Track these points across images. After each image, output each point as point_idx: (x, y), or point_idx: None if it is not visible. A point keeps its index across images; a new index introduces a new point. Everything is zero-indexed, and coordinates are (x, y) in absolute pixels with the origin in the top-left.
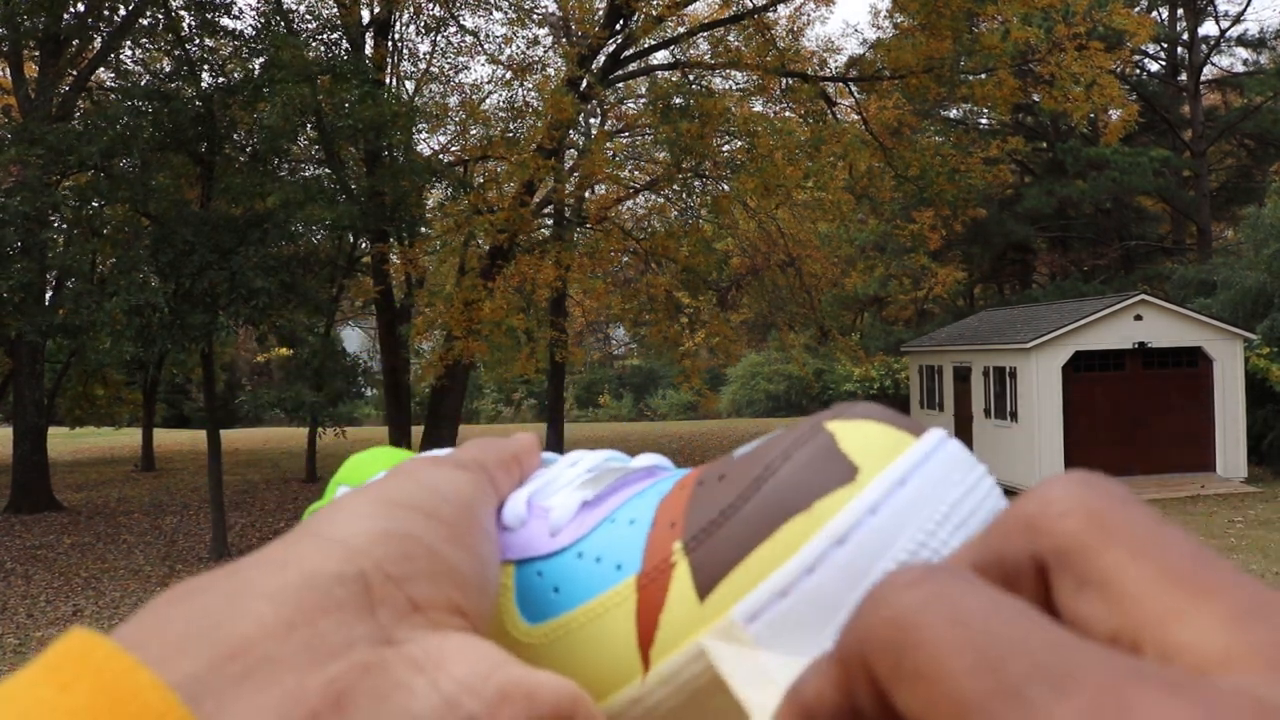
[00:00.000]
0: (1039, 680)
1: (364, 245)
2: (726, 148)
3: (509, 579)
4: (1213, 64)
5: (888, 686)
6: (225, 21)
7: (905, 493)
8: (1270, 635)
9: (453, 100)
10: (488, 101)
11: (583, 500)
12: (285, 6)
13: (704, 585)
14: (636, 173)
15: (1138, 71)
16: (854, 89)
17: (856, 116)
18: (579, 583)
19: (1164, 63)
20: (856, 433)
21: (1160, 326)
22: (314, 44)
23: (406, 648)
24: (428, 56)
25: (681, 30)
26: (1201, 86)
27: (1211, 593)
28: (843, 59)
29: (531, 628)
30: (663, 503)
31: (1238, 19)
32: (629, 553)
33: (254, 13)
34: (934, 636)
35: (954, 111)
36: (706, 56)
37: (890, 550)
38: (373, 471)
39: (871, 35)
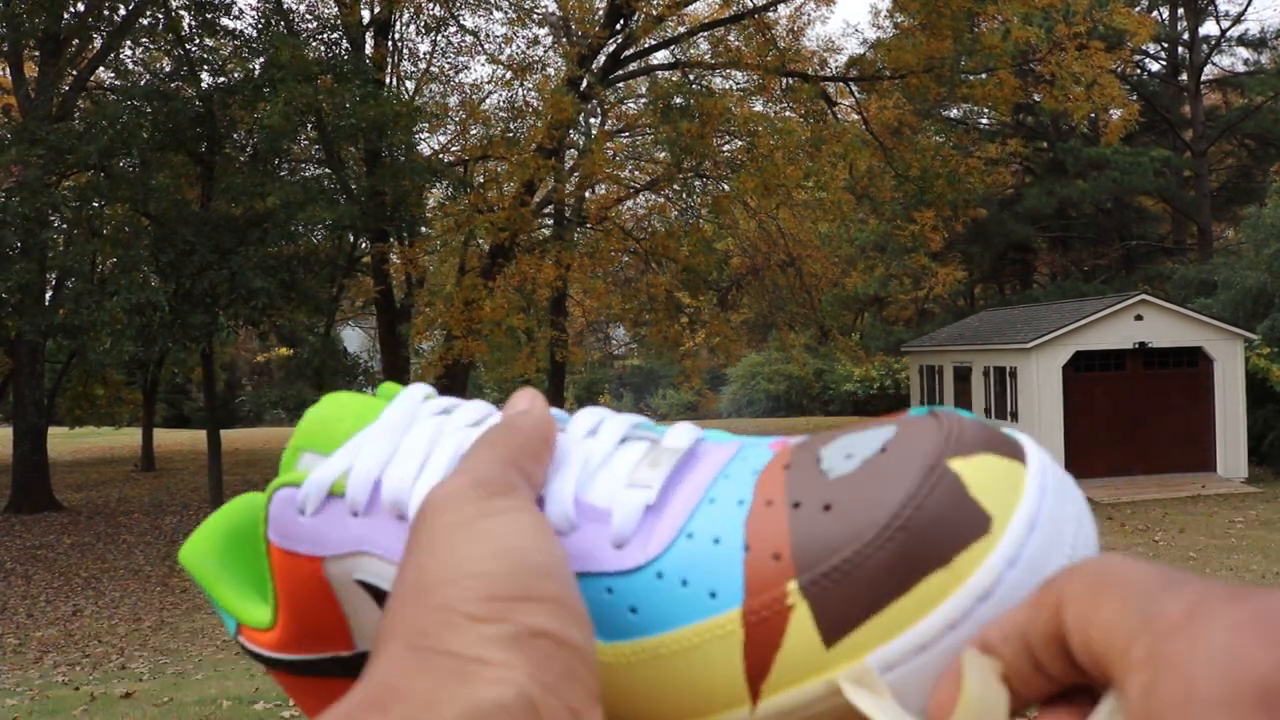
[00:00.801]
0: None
1: (364, 245)
2: (726, 148)
3: None
4: (1213, 64)
5: (1079, 615)
6: (225, 21)
7: (1037, 538)
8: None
9: (453, 100)
10: (488, 101)
11: (645, 505)
12: (285, 6)
13: (831, 632)
14: (636, 173)
15: (1138, 71)
16: (854, 89)
17: (857, 116)
18: (664, 608)
19: (1164, 62)
20: (981, 473)
21: (1161, 326)
22: (314, 44)
23: None
24: (428, 56)
25: (681, 30)
26: (1202, 86)
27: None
28: (843, 59)
29: (605, 645)
30: (750, 521)
31: (1238, 19)
32: (724, 580)
33: (254, 13)
34: (1123, 569)
35: (954, 111)
36: (707, 56)
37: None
38: (345, 430)
39: (872, 35)
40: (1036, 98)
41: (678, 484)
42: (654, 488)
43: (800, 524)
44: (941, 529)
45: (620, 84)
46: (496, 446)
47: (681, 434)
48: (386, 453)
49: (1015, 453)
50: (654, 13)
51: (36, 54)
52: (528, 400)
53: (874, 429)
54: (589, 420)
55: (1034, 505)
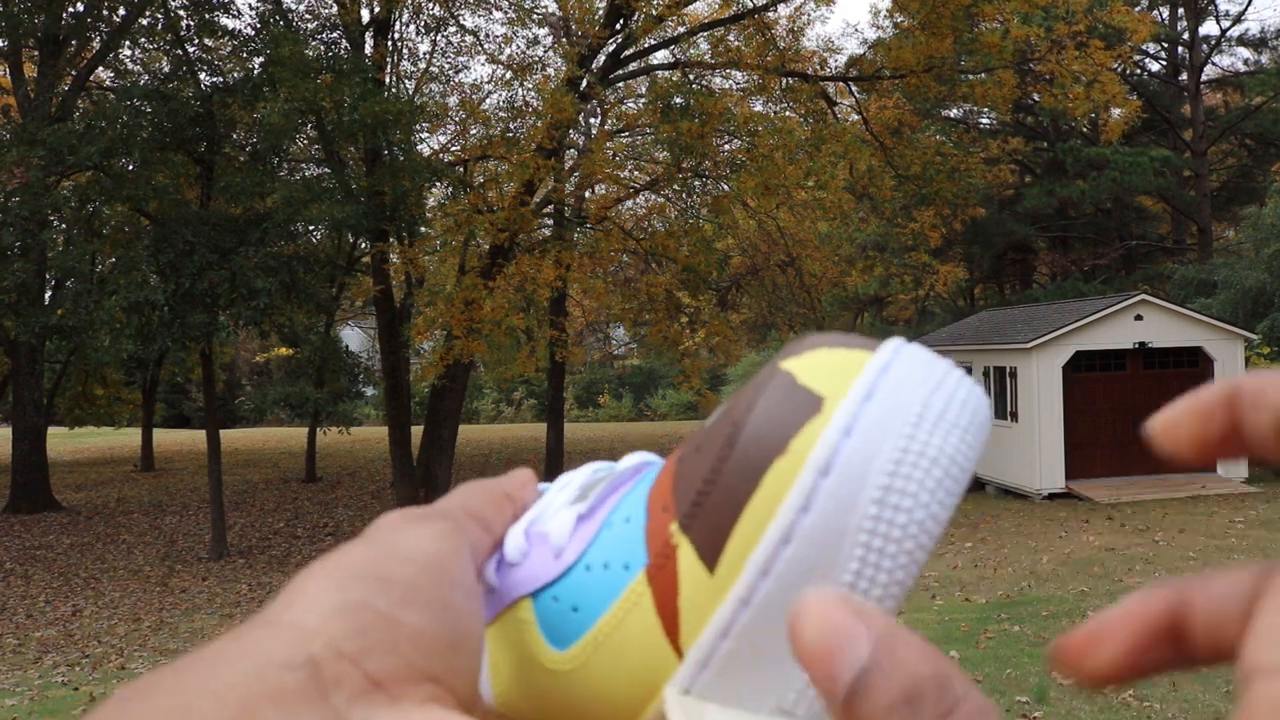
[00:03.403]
0: None
1: (364, 245)
2: (726, 147)
3: (528, 613)
4: (1213, 64)
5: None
6: (224, 21)
7: (874, 406)
8: None
9: (452, 100)
10: (488, 101)
11: (578, 515)
12: (284, 6)
13: (709, 556)
14: (636, 173)
15: (1138, 71)
16: (854, 88)
17: (856, 116)
18: (595, 595)
19: (1164, 62)
20: (812, 363)
21: (1161, 326)
22: (314, 43)
23: None
24: (428, 56)
25: (681, 30)
26: (1202, 86)
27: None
28: (843, 59)
29: (562, 654)
30: (651, 491)
31: (1238, 19)
32: (633, 550)
33: (253, 12)
34: None
35: (954, 111)
36: (706, 56)
37: (875, 463)
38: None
39: (871, 35)
40: (1036, 97)
41: (612, 492)
42: (588, 500)
43: (681, 472)
44: (773, 421)
45: (620, 84)
46: (456, 495)
47: (630, 459)
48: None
49: (865, 346)
50: (654, 13)
51: (36, 54)
52: (517, 471)
53: None
54: (561, 480)
55: (870, 378)
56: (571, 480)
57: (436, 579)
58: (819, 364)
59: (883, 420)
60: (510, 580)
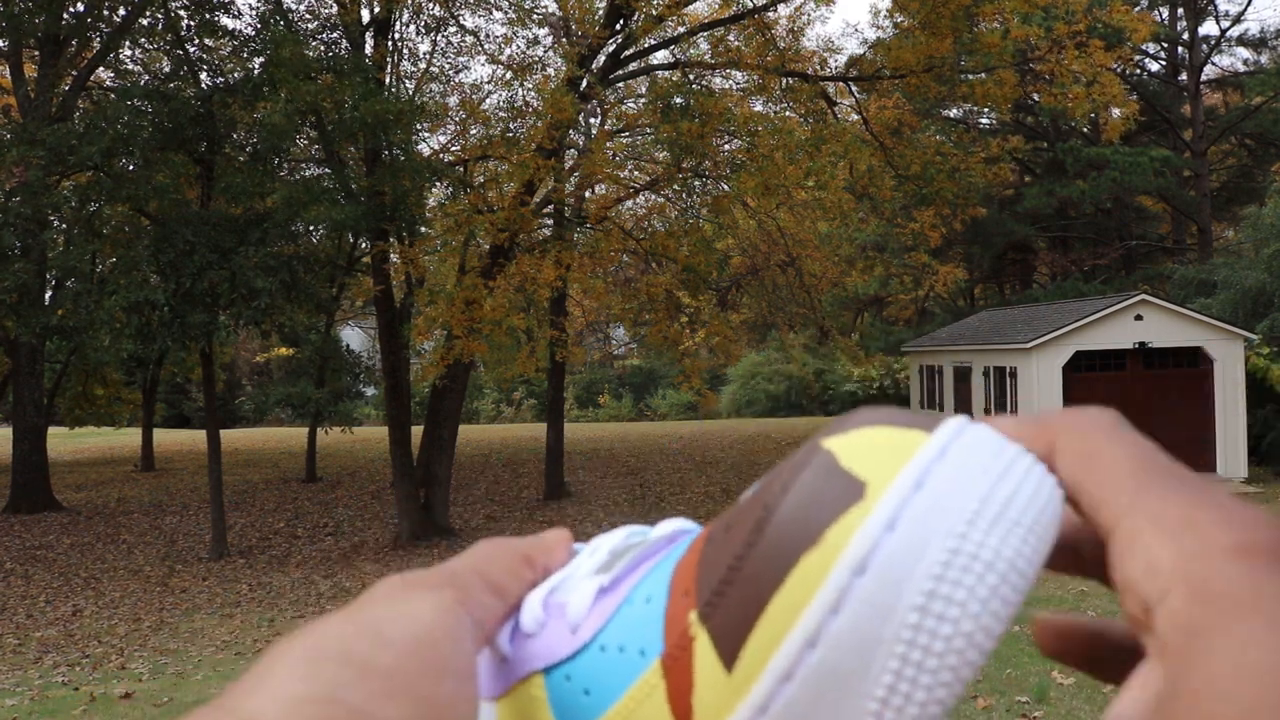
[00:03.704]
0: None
1: (364, 245)
2: (726, 147)
3: (540, 690)
4: (1213, 64)
5: (1061, 459)
6: (224, 21)
7: (924, 497)
8: (1195, 547)
9: (453, 100)
10: (488, 101)
11: (599, 587)
12: (285, 6)
13: (728, 653)
14: (636, 173)
15: (1138, 71)
16: (854, 89)
17: (856, 116)
18: (607, 680)
19: (1164, 62)
20: (858, 444)
21: (1160, 326)
22: (314, 43)
23: None
24: (428, 56)
25: (681, 30)
26: (1202, 86)
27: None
28: (843, 59)
29: None
30: (676, 570)
31: (1238, 19)
32: (649, 635)
33: (253, 13)
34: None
35: (954, 111)
36: (706, 56)
37: (920, 565)
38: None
39: (871, 35)
40: (1036, 96)
41: (641, 563)
42: (612, 573)
43: (708, 554)
44: (807, 507)
45: (620, 84)
46: (470, 556)
47: (666, 525)
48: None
49: (923, 425)
50: (654, 13)
51: (36, 54)
52: (549, 533)
53: None
54: (594, 543)
55: (923, 464)
56: (602, 545)
57: (422, 665)
58: (866, 444)
59: (932, 514)
60: (525, 651)
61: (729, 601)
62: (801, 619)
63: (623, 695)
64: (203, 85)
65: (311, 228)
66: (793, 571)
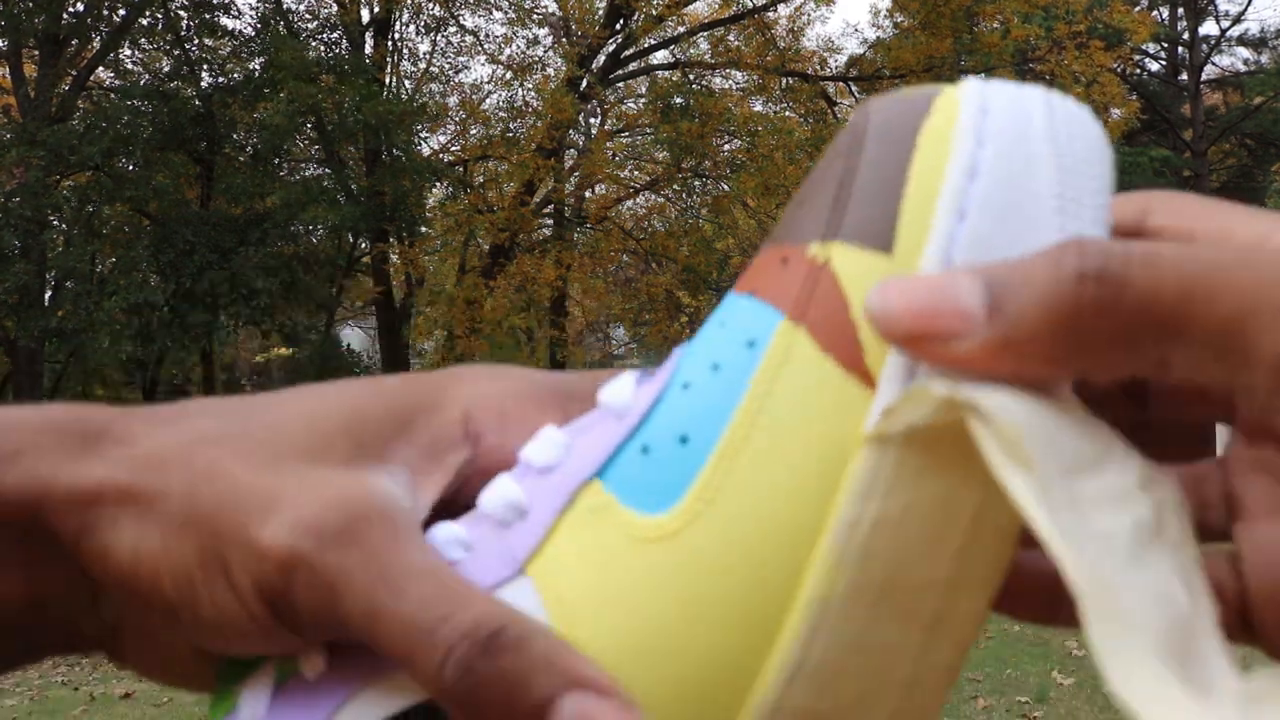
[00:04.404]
0: None
1: (364, 245)
2: (726, 147)
3: (599, 496)
4: (1213, 64)
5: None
6: (225, 21)
7: (997, 102)
8: None
9: (453, 100)
10: (488, 102)
11: (635, 379)
12: (284, 6)
13: (881, 239)
14: (636, 173)
15: (1138, 71)
16: (854, 89)
17: None
18: (710, 405)
19: (1164, 62)
20: (904, 93)
21: None
22: (314, 44)
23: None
24: (428, 56)
25: (681, 30)
26: (1202, 86)
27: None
28: (843, 59)
29: (672, 509)
30: (744, 276)
31: (1238, 19)
32: (750, 327)
33: (253, 13)
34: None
35: None
36: (706, 56)
37: (1027, 101)
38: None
39: (871, 35)
40: None
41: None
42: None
43: (789, 222)
44: (897, 117)
45: (620, 84)
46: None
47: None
48: None
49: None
50: (654, 13)
51: (36, 54)
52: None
53: None
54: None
55: (976, 91)
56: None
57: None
58: (907, 93)
59: (1009, 110)
60: (563, 473)
61: (856, 202)
62: (952, 157)
63: (743, 396)
64: (203, 85)
65: (311, 228)
66: (919, 136)
